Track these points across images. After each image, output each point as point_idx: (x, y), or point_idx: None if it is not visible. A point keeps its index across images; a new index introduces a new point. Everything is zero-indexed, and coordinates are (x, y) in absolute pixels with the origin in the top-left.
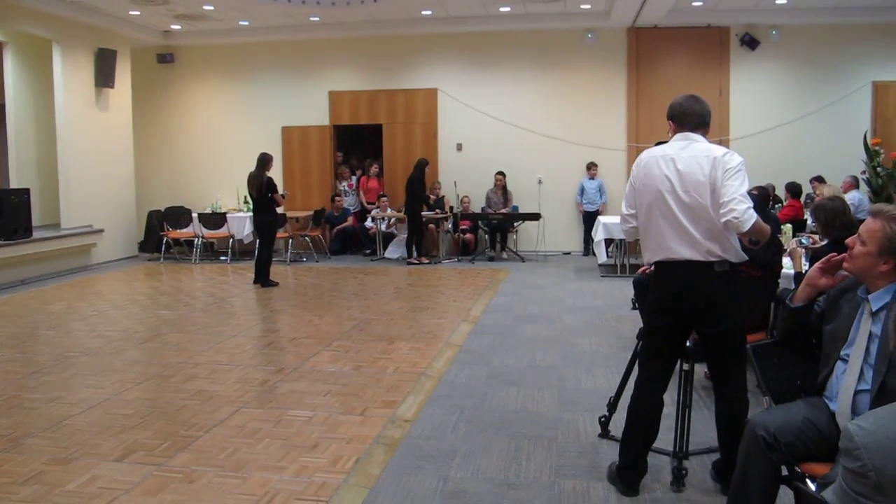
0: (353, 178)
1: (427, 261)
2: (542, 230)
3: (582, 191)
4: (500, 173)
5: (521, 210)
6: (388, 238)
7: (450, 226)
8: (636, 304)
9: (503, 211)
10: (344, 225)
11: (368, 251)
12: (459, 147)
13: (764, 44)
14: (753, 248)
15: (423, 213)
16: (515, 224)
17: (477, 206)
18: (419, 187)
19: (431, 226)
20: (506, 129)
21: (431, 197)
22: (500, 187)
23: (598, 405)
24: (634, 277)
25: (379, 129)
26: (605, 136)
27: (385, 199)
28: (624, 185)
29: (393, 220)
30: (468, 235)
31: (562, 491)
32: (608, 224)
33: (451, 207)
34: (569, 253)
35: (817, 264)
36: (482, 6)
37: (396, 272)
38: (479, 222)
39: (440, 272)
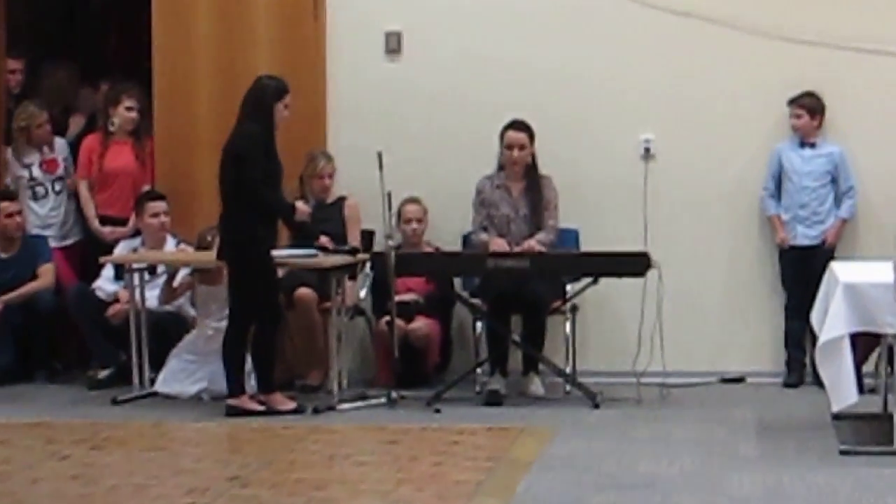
0: (58, 143)
1: (292, 404)
2: (657, 308)
3: (779, 181)
4: (519, 126)
5: (588, 243)
6: (167, 327)
7: (363, 291)
8: None
9: (531, 244)
10: (27, 290)
11: (106, 370)
12: (394, 43)
13: None
14: None
15: (275, 254)
16: (569, 288)
17: (449, 227)
18: (262, 168)
19: (303, 291)
20: None
21: (303, 204)
22: (520, 170)
23: None
24: None
25: None
26: (852, 19)
27: (160, 205)
28: None
29: (184, 272)
30: (419, 323)
31: None
32: (862, 287)
33: (369, 234)
34: (740, 379)
35: None
36: None
37: (195, 440)
38: (456, 281)
39: (336, 439)
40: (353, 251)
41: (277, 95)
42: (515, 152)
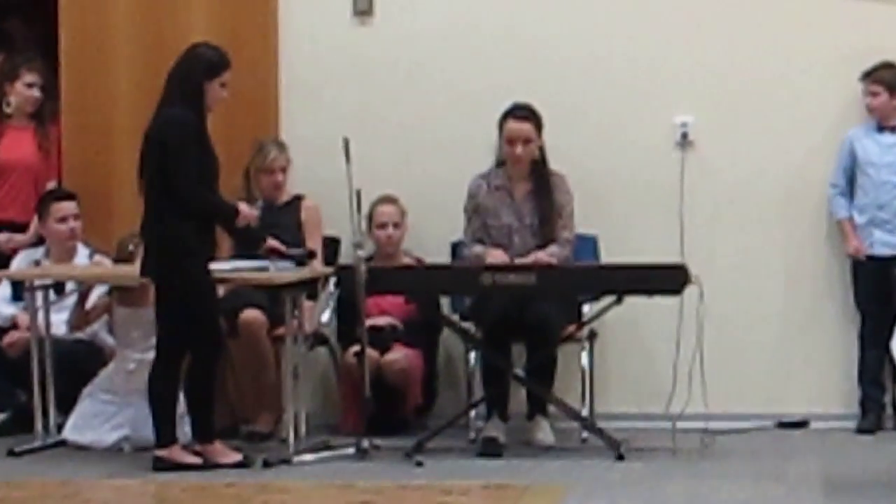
0: None
1: (237, 456)
2: (696, 335)
3: (851, 175)
4: (522, 113)
5: (610, 253)
6: (78, 359)
7: (326, 314)
8: None
9: (539, 256)
10: None
11: (1, 414)
12: (364, 3)
13: None
14: None
15: (213, 267)
16: (586, 310)
17: (434, 234)
18: (197, 162)
19: (250, 313)
20: None
21: (248, 206)
22: (524, 168)
23: None
24: None
25: None
26: None
27: (68, 207)
28: None
29: (100, 291)
30: (396, 354)
31: None
32: None
33: (333, 243)
34: (802, 424)
35: None
36: None
37: (114, 502)
38: (444, 301)
39: (292, 500)
40: (310, 255)
41: (211, 71)
42: (519, 148)
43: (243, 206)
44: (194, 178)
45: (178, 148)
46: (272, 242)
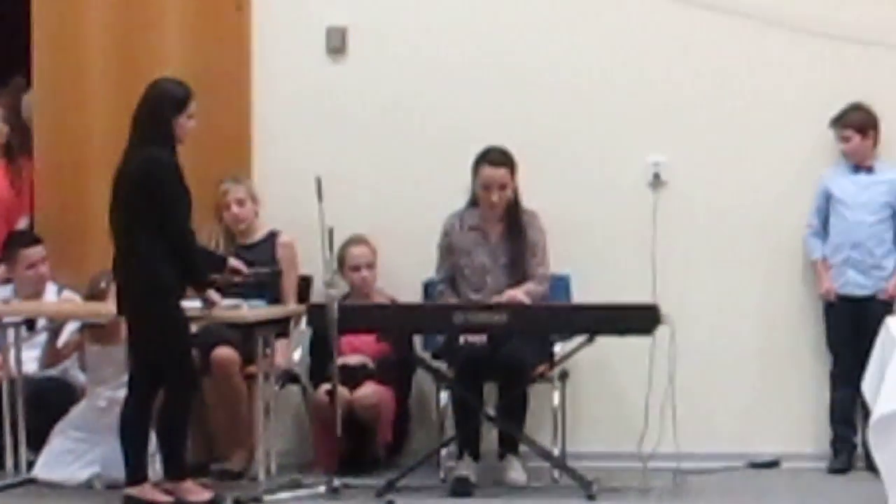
0: None
1: (208, 495)
2: (668, 374)
3: (825, 216)
4: (497, 158)
5: (582, 293)
6: (49, 396)
7: (298, 352)
8: None
9: (514, 294)
10: None
11: None
12: (337, 40)
13: None
14: None
15: (185, 305)
16: (557, 349)
17: (405, 273)
18: (184, 206)
19: (223, 351)
20: None
21: (238, 263)
22: (500, 209)
23: None
24: None
25: None
26: None
27: (36, 252)
28: None
29: (72, 327)
30: (367, 390)
31: None
32: None
33: (305, 282)
34: (774, 463)
35: None
36: None
37: None
38: (416, 340)
39: None
40: (275, 274)
41: (179, 106)
42: (494, 195)
43: (233, 261)
44: (188, 223)
45: (171, 191)
46: (235, 264)
